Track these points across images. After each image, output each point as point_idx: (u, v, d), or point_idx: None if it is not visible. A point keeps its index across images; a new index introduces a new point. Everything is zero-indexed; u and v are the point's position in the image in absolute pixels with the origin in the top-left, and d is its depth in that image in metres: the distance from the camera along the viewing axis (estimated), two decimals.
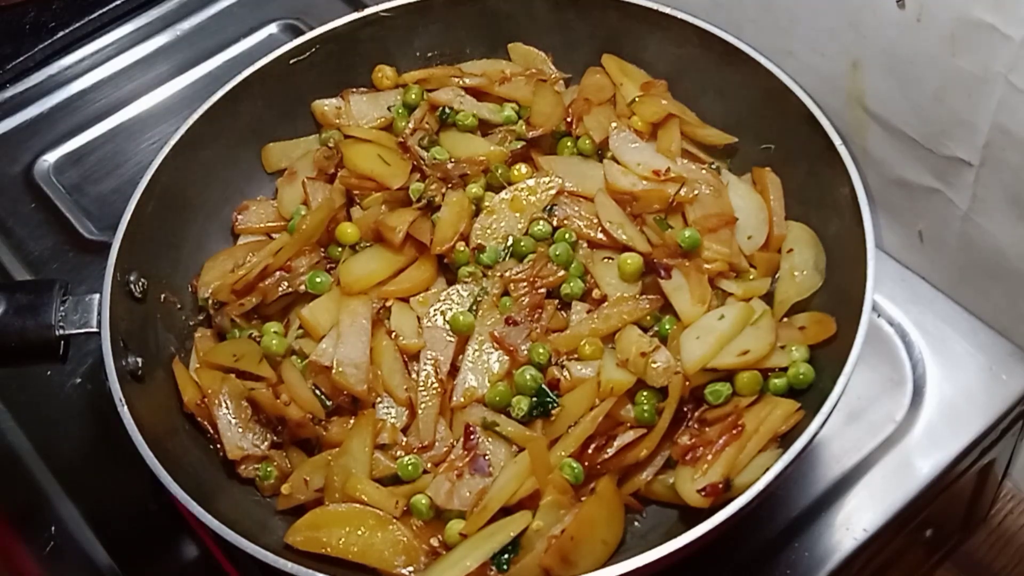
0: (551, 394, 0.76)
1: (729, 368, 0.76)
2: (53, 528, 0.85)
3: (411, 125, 0.90)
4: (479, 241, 0.82)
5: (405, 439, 0.77)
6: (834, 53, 0.92)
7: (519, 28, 0.93)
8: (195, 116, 0.86)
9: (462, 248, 0.82)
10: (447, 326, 0.79)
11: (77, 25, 1.14)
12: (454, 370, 0.78)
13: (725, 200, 0.83)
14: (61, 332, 0.75)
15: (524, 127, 0.89)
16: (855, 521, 0.81)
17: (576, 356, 0.78)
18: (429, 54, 0.95)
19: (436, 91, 0.92)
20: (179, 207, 0.86)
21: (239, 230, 0.90)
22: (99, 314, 0.75)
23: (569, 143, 0.88)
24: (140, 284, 0.80)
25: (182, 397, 0.79)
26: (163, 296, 0.83)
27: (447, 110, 0.90)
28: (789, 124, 0.83)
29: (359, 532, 0.73)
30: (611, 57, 0.92)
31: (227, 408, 0.78)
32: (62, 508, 0.86)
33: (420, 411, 0.77)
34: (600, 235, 0.82)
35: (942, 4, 0.81)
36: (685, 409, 0.76)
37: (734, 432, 0.74)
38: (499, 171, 0.86)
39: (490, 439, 0.76)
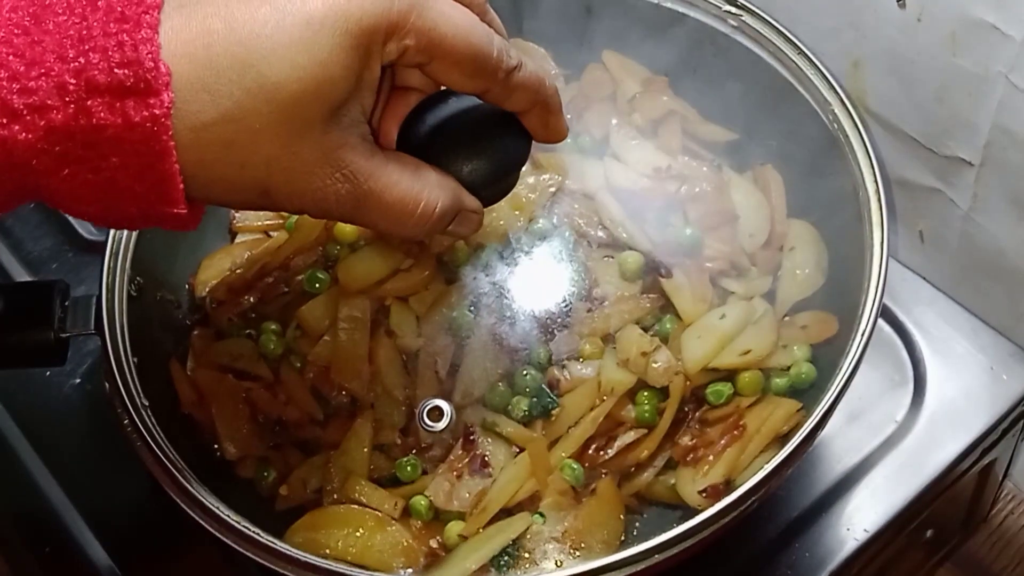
0: (551, 394, 0.76)
1: (730, 367, 0.76)
2: (53, 528, 0.85)
3: None
4: (478, 239, 0.82)
5: (404, 439, 0.77)
6: (834, 53, 0.91)
7: (518, 25, 0.93)
8: None
9: (461, 246, 0.82)
10: (446, 325, 0.79)
11: None
12: (453, 370, 0.78)
13: (726, 198, 0.83)
14: (61, 333, 0.75)
15: None
16: (856, 521, 0.81)
17: (576, 356, 0.78)
18: None
19: None
20: None
21: (237, 228, 0.89)
22: (97, 315, 0.75)
23: (569, 140, 0.88)
24: (136, 283, 0.80)
25: (179, 397, 0.79)
26: (160, 295, 0.83)
27: None
28: (791, 121, 0.82)
29: (358, 533, 0.73)
30: (612, 53, 0.92)
31: (225, 408, 0.78)
32: (62, 508, 0.86)
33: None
34: (600, 233, 0.82)
35: (943, 4, 0.81)
36: (686, 409, 0.76)
37: (735, 432, 0.74)
38: None
39: (490, 439, 0.75)
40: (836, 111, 0.79)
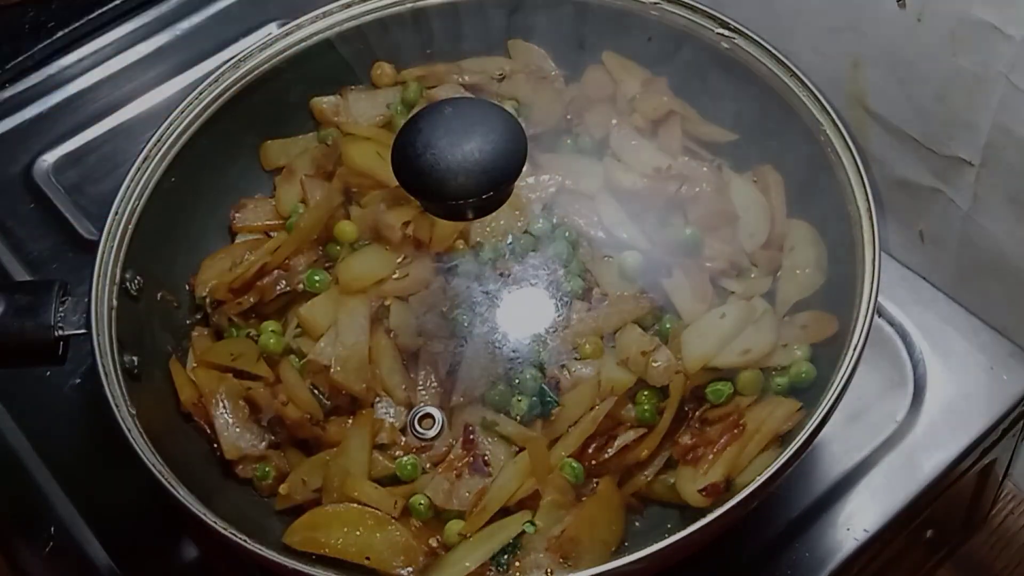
0: (551, 393, 0.76)
1: (730, 367, 0.76)
2: (53, 528, 0.85)
3: None
4: (478, 239, 0.82)
5: (404, 439, 0.77)
6: (834, 53, 0.91)
7: (519, 25, 0.93)
8: (191, 113, 0.86)
9: (461, 246, 0.82)
10: (446, 325, 0.79)
11: (77, 25, 1.13)
12: (453, 369, 0.78)
13: (726, 198, 0.83)
14: (60, 333, 0.75)
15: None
16: (856, 521, 0.81)
17: (576, 356, 0.78)
18: (428, 51, 0.94)
19: (435, 88, 0.91)
20: (175, 204, 0.85)
21: (237, 228, 0.89)
22: (88, 314, 0.75)
23: (569, 141, 0.88)
24: (136, 282, 0.80)
25: (179, 397, 0.79)
26: (160, 295, 0.83)
27: None
28: (792, 121, 0.82)
29: (357, 532, 0.73)
30: (612, 54, 0.92)
31: (224, 408, 0.78)
32: (62, 508, 0.86)
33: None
34: (600, 233, 0.82)
35: (943, 3, 0.81)
36: (686, 409, 0.76)
37: (735, 432, 0.74)
38: None
39: (490, 439, 0.75)
40: (828, 132, 0.79)
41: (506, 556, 0.72)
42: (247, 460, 0.78)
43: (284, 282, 0.83)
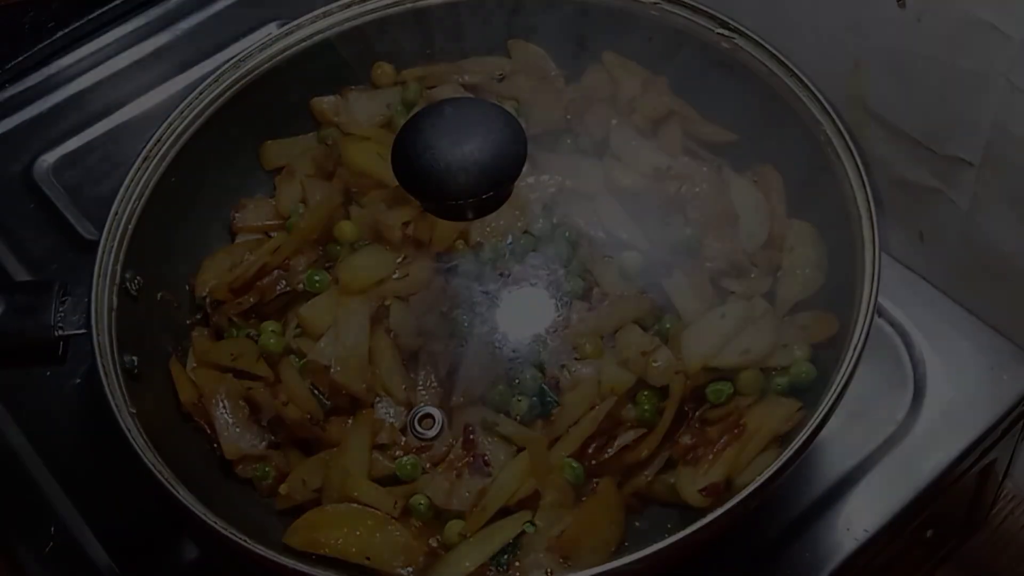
0: (551, 393, 0.76)
1: (731, 367, 0.76)
2: (53, 528, 0.85)
3: None
4: (478, 239, 0.82)
5: (404, 439, 0.77)
6: (835, 53, 0.91)
7: (520, 25, 0.93)
8: (191, 113, 0.86)
9: (461, 246, 0.82)
10: (446, 325, 0.79)
11: (76, 25, 1.14)
12: (453, 370, 0.78)
13: (726, 198, 0.83)
14: (60, 333, 0.75)
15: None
16: (856, 521, 0.81)
17: (576, 356, 0.78)
18: (428, 51, 0.94)
19: (435, 88, 0.91)
20: (175, 204, 0.85)
21: (237, 229, 0.89)
22: (88, 314, 0.75)
23: (569, 141, 0.88)
24: (136, 282, 0.80)
25: (179, 397, 0.79)
26: (160, 295, 0.83)
27: None
28: (792, 121, 0.82)
29: (357, 532, 0.73)
30: (612, 54, 0.92)
31: (224, 408, 0.78)
32: (62, 508, 0.86)
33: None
34: (600, 233, 0.82)
35: (943, 4, 0.81)
36: (686, 409, 0.76)
37: (735, 432, 0.74)
38: None
39: (490, 439, 0.75)
40: (828, 132, 0.79)
41: (506, 556, 0.72)
42: (247, 460, 0.78)
43: (284, 282, 0.83)
